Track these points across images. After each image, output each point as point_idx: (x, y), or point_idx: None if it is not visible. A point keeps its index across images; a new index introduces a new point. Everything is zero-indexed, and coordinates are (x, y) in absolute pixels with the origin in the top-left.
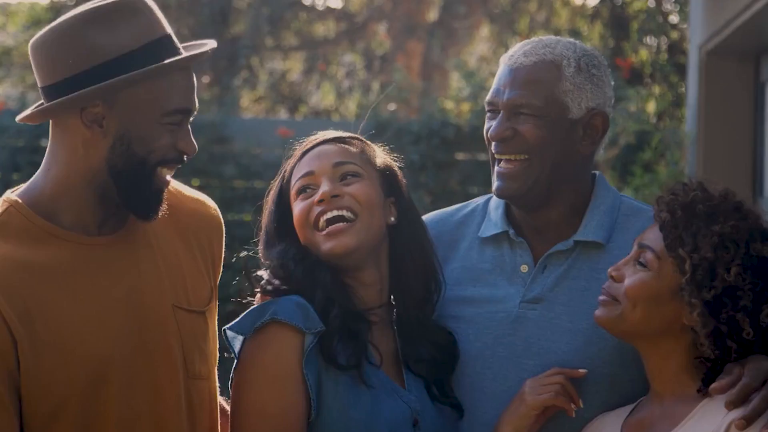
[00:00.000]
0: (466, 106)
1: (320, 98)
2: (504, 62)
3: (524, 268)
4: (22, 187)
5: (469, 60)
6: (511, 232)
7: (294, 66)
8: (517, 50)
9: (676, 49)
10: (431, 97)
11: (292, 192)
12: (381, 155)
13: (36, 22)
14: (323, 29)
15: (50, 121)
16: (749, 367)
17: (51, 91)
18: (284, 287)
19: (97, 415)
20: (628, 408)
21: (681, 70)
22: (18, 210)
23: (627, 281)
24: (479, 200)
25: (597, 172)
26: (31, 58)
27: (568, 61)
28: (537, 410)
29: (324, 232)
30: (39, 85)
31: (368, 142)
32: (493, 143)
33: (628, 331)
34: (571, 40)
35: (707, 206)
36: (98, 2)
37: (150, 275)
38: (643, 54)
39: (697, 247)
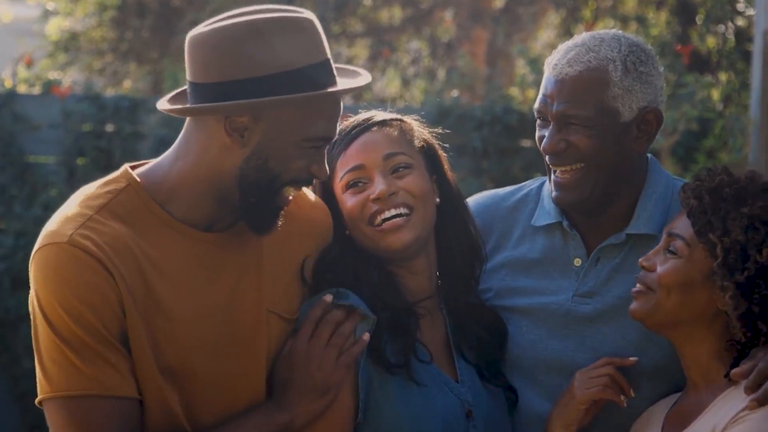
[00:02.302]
0: (530, 93)
1: (385, 85)
2: (549, 71)
3: (577, 262)
4: (144, 166)
5: (535, 46)
6: (565, 223)
7: (359, 53)
8: (560, 58)
9: (743, 36)
10: (495, 83)
11: (340, 184)
12: (418, 131)
13: (103, 8)
14: (388, 16)
15: (187, 121)
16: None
17: (200, 90)
18: (323, 283)
19: (172, 406)
20: (674, 398)
21: (748, 57)
22: (136, 191)
23: (659, 269)
24: (533, 183)
25: (649, 156)
26: (186, 51)
27: (614, 64)
28: (586, 404)
29: (380, 228)
30: (188, 78)
31: (405, 119)
32: (547, 155)
33: (663, 321)
34: (617, 34)
35: (734, 189)
36: (266, 13)
37: (251, 278)
38: (710, 41)
39: (728, 231)
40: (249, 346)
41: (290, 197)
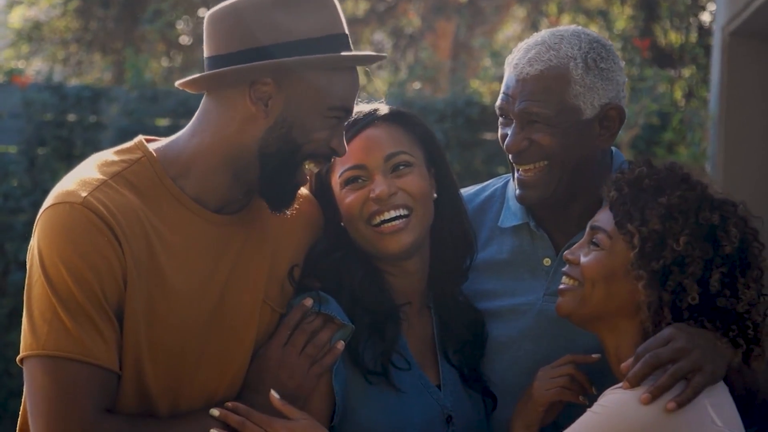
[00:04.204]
0: (493, 86)
1: None
2: (510, 70)
3: (547, 262)
4: (160, 141)
5: (499, 40)
6: (532, 224)
7: None
8: (521, 57)
9: (706, 31)
10: (458, 76)
11: (339, 180)
12: (419, 125)
13: None
14: (353, 8)
15: (204, 94)
16: (650, 345)
17: (221, 61)
18: (308, 282)
19: (149, 386)
20: None
21: (710, 52)
22: (151, 163)
23: (582, 261)
24: (497, 183)
25: (613, 149)
26: (205, 30)
27: (575, 62)
28: (544, 406)
29: (379, 229)
30: (207, 55)
31: (406, 113)
32: (510, 154)
33: (589, 315)
34: (577, 30)
35: (653, 180)
36: None
37: (252, 267)
38: (674, 36)
39: (646, 220)
40: (239, 332)
41: (308, 176)
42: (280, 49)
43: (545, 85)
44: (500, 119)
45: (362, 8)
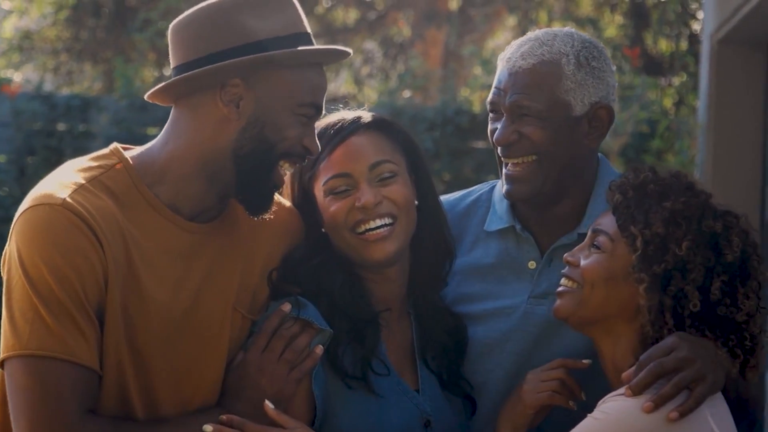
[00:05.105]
0: (484, 95)
1: (339, 85)
2: (502, 64)
3: (532, 264)
4: (135, 149)
5: (489, 48)
6: (518, 226)
7: None
8: (514, 51)
9: (696, 39)
10: (448, 85)
11: (323, 187)
12: (402, 132)
13: (59, 8)
14: (343, 17)
15: (173, 105)
16: (653, 354)
17: (188, 68)
18: (286, 287)
19: (129, 389)
20: None
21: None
22: (127, 170)
23: (583, 263)
24: (483, 188)
25: (600, 155)
26: (170, 41)
27: (567, 58)
28: (534, 409)
29: (363, 237)
30: (173, 65)
31: (390, 120)
32: (499, 147)
33: (587, 317)
34: (570, 31)
35: (658, 186)
36: None
37: (224, 274)
38: (664, 44)
39: (649, 224)
40: (212, 340)
41: (285, 176)
42: (246, 49)
43: (537, 79)
44: (491, 115)
45: (352, 17)
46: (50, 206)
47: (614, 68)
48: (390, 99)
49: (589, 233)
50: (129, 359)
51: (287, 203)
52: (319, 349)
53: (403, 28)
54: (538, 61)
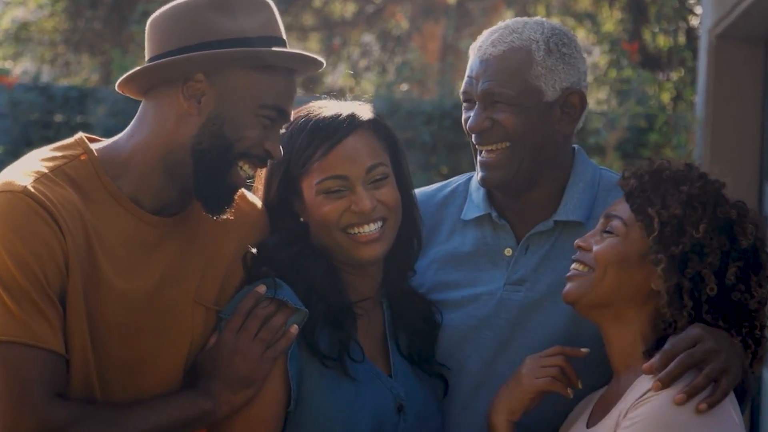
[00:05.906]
0: None
1: (336, 78)
2: (474, 52)
3: (508, 252)
4: (103, 140)
5: None
6: (494, 214)
7: (311, 46)
8: (485, 39)
9: (694, 34)
10: (446, 78)
11: (315, 186)
12: (388, 130)
13: None
14: (341, 10)
15: (143, 99)
16: (679, 345)
17: (156, 60)
18: (262, 271)
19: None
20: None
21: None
22: (90, 160)
23: (596, 247)
24: (460, 179)
25: (575, 146)
26: (146, 33)
27: (537, 45)
28: (533, 394)
29: (354, 237)
30: (147, 58)
31: (379, 119)
32: (473, 134)
33: (596, 301)
34: (539, 19)
35: (673, 172)
36: None
37: (185, 269)
38: (661, 39)
39: (666, 205)
40: (169, 334)
41: (243, 177)
42: (212, 46)
43: (507, 66)
44: (464, 104)
45: (350, 10)
46: (11, 193)
47: (612, 66)
48: (387, 92)
49: (601, 220)
50: (89, 345)
51: (257, 201)
52: (294, 329)
53: (401, 22)
54: (508, 48)
